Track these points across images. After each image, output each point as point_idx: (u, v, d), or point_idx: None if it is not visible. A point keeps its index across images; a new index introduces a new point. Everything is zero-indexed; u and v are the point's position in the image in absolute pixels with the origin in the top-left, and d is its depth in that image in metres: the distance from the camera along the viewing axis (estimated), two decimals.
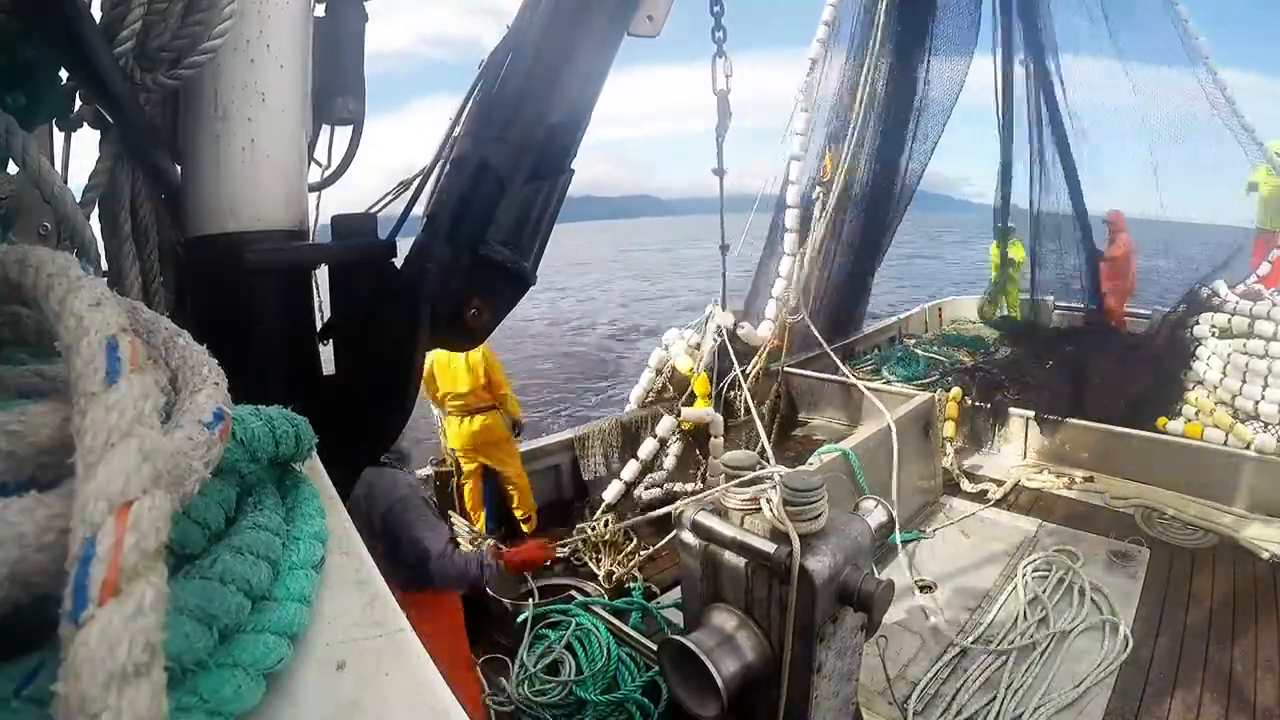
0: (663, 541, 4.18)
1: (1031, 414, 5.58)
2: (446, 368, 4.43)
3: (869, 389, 5.62)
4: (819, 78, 6.24)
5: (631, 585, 3.98)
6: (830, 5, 6.17)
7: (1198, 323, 5.64)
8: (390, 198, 1.81)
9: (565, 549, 4.11)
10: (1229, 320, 5.42)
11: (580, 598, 3.82)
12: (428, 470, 4.65)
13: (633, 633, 3.39)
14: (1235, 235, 7.23)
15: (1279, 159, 7.55)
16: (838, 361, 4.78)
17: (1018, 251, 9.43)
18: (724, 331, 5.43)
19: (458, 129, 1.60)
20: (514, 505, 4.80)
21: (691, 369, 5.44)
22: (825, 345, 4.17)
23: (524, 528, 4.75)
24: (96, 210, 1.13)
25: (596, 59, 1.55)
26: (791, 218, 6.05)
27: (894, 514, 2.09)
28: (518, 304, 1.56)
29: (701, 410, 5.17)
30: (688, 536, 1.88)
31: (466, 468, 4.69)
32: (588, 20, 1.50)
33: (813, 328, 4.89)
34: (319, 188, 1.74)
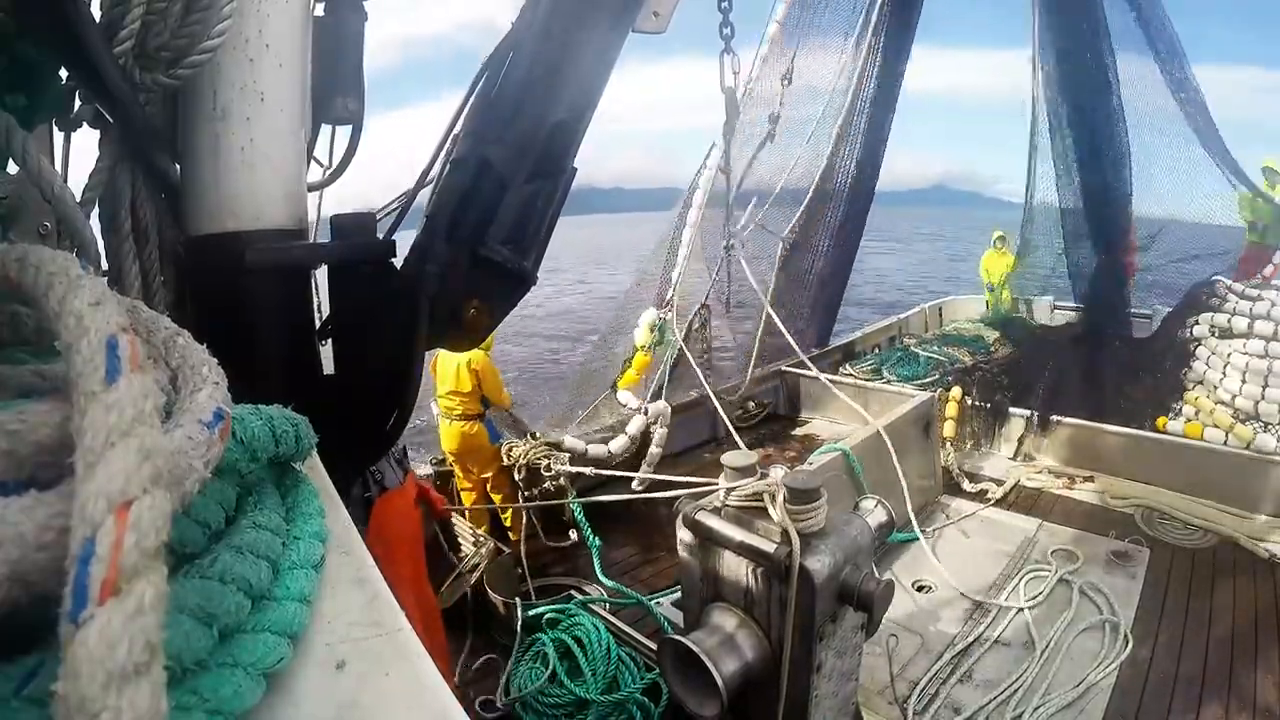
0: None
1: (1032, 414, 5.58)
2: (446, 364, 4.42)
3: (869, 388, 5.60)
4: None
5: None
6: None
7: (1198, 323, 5.63)
8: (394, 205, 1.81)
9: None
10: (1229, 320, 5.41)
11: (580, 597, 3.82)
12: (428, 470, 4.64)
13: (633, 632, 3.38)
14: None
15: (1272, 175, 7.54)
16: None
17: (1008, 260, 9.42)
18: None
19: (458, 128, 1.60)
20: (501, 513, 4.79)
21: (644, 346, 5.52)
22: (700, 381, 4.30)
23: (510, 535, 4.70)
24: (96, 210, 1.13)
25: (599, 57, 1.53)
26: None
27: (893, 514, 2.09)
28: (518, 304, 1.56)
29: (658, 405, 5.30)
30: (687, 535, 1.87)
31: (458, 472, 4.68)
32: (590, 18, 1.48)
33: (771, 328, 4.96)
34: (319, 187, 1.73)
